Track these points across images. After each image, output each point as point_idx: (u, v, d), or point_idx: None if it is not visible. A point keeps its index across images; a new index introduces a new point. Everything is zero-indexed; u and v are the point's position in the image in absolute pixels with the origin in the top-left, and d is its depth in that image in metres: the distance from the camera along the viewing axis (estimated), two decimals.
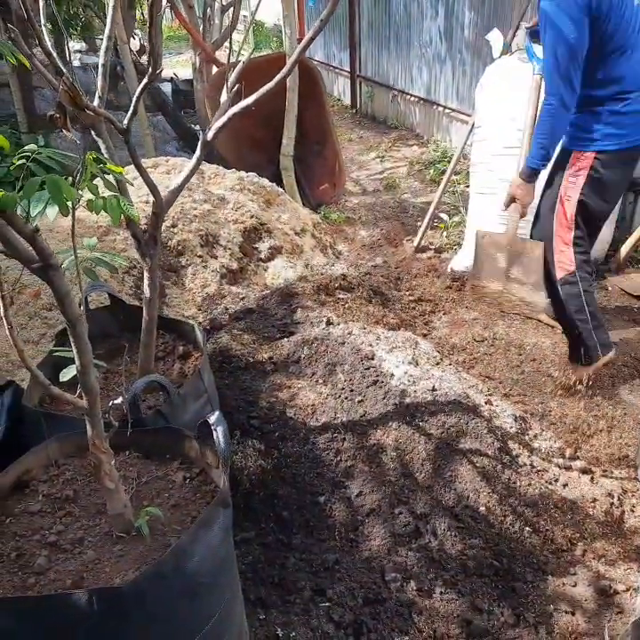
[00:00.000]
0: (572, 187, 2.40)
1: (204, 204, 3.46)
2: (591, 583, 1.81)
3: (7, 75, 5.14)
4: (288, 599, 1.76)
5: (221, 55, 5.91)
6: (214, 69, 5.87)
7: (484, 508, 1.90)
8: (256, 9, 1.87)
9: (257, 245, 3.58)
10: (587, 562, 1.87)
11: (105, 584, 1.22)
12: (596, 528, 1.96)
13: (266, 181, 3.93)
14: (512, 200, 2.56)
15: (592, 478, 2.14)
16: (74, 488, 1.46)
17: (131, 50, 4.46)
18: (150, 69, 1.14)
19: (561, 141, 2.43)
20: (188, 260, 3.25)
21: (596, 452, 2.35)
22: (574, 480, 2.11)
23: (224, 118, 1.48)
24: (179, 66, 10.41)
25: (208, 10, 6.67)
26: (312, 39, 1.41)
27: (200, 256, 3.29)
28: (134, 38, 7.28)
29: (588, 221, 2.47)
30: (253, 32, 11.43)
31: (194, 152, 1.63)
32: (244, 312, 2.97)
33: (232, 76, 1.54)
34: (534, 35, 2.61)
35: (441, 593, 1.75)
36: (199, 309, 3.08)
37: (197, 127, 6.46)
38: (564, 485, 2.07)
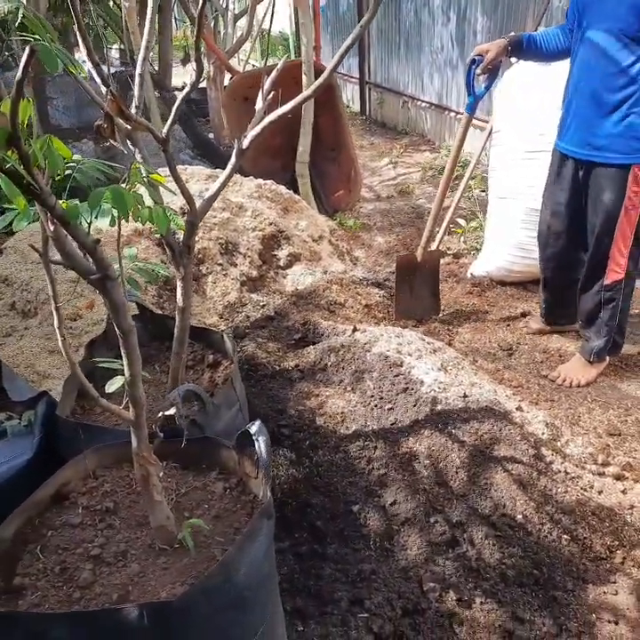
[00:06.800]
0: (636, 197, 2.43)
1: (223, 212, 3.46)
2: (633, 591, 1.78)
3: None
4: (325, 610, 1.73)
5: (233, 63, 5.93)
6: (227, 78, 5.89)
7: (521, 517, 1.87)
8: (271, 20, 1.90)
9: (276, 253, 3.58)
10: (627, 569, 1.84)
11: (151, 597, 1.21)
12: (634, 535, 1.92)
13: (283, 189, 3.93)
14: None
15: (626, 484, 2.11)
16: (113, 500, 1.45)
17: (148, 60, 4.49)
18: (195, 76, 1.14)
19: (597, 157, 2.45)
20: (208, 268, 3.25)
21: (628, 457, 2.32)
22: (609, 486, 2.08)
23: (260, 126, 1.48)
24: (187, 75, 10.44)
25: (219, 18, 6.72)
26: (349, 47, 1.40)
27: (220, 264, 3.28)
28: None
29: None
30: (260, 40, 11.51)
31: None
32: (265, 319, 2.96)
33: (267, 83, 1.53)
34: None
35: (481, 603, 1.72)
36: (220, 317, 3.07)
37: (212, 135, 6.48)
38: (599, 492, 2.04)
